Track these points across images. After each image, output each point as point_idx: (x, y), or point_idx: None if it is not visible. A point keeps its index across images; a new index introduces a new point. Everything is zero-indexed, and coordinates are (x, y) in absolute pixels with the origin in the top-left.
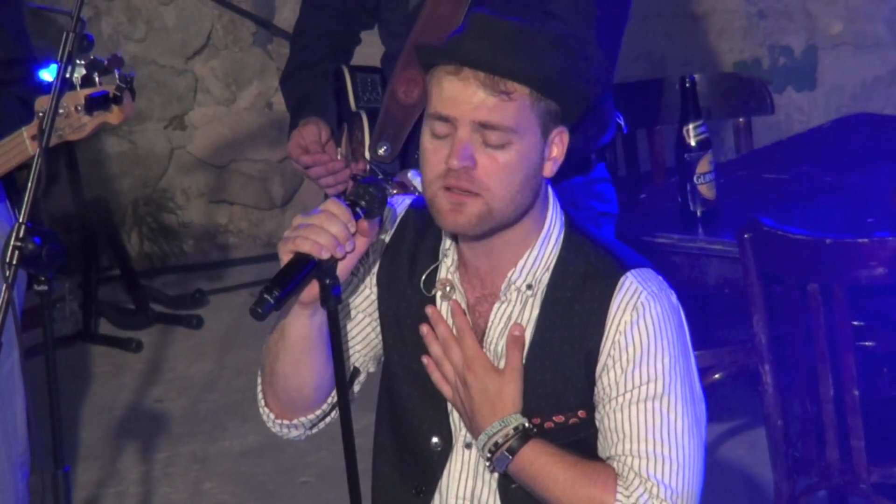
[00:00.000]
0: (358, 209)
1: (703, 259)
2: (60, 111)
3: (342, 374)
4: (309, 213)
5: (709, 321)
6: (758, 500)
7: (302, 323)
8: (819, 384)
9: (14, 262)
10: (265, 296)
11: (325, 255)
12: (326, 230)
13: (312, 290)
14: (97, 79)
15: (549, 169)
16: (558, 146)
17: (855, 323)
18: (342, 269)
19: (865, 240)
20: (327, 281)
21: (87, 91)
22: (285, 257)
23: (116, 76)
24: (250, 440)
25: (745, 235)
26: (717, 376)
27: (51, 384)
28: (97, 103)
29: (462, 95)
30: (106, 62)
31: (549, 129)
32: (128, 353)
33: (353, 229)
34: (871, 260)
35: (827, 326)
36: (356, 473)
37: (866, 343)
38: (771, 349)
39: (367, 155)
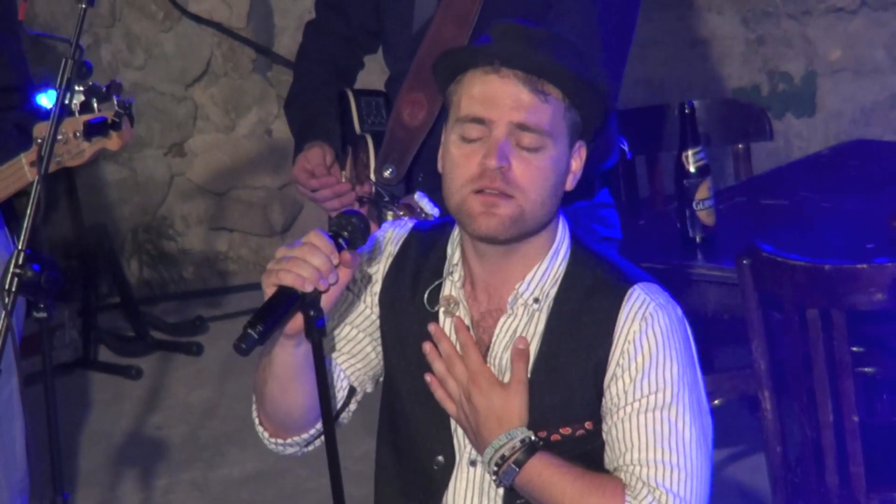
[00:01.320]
0: (340, 240)
1: (703, 285)
2: (59, 137)
3: (327, 405)
4: (291, 245)
5: (708, 347)
6: None
7: (288, 353)
8: (818, 410)
9: (13, 288)
10: (249, 331)
11: (309, 288)
12: (309, 263)
13: (297, 321)
14: (96, 105)
15: (570, 182)
16: (577, 161)
17: (854, 349)
18: (326, 301)
19: (865, 266)
20: (311, 313)
21: (86, 117)
22: (269, 290)
23: (115, 102)
24: (250, 467)
25: (745, 261)
26: (716, 402)
27: (50, 411)
28: (95, 129)
29: (501, 94)
30: (105, 88)
31: (574, 141)
32: (127, 381)
33: (335, 261)
34: (870, 286)
35: (826, 352)
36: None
37: (865, 369)
38: (770, 375)
39: (372, 177)
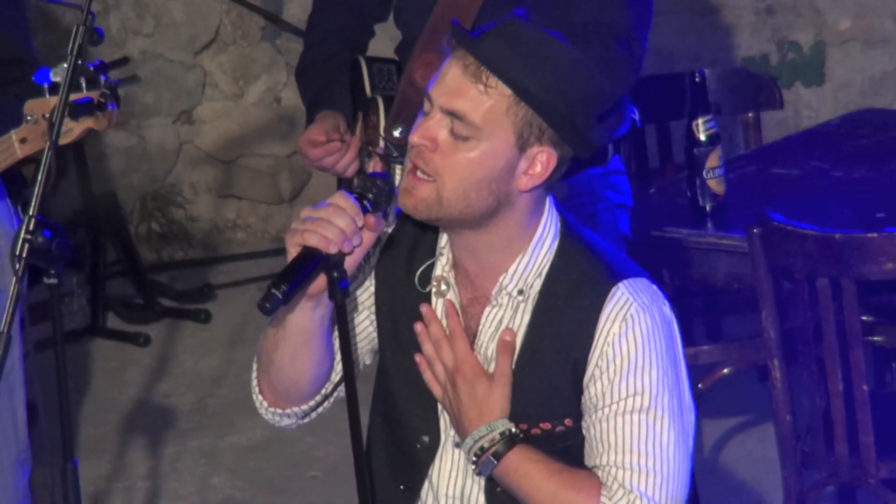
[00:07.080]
0: (365, 202)
1: (713, 254)
2: (46, 115)
3: (350, 368)
4: (316, 206)
5: (718, 316)
6: (767, 496)
7: (304, 315)
8: (828, 379)
9: (24, 254)
10: (273, 290)
11: (333, 250)
12: (334, 224)
13: (319, 283)
14: (83, 84)
15: (525, 183)
16: (542, 165)
17: (864, 318)
18: (349, 263)
19: (875, 235)
20: (335, 274)
21: (73, 96)
22: (293, 250)
23: (101, 83)
24: (258, 435)
25: (755, 230)
26: (726, 371)
27: (60, 378)
28: (82, 109)
29: (447, 76)
30: (92, 67)
31: (529, 143)
32: (136, 348)
33: (360, 223)
34: (880, 255)
35: (836, 321)
36: (364, 466)
37: (875, 338)
38: (780, 344)
39: (381, 135)
